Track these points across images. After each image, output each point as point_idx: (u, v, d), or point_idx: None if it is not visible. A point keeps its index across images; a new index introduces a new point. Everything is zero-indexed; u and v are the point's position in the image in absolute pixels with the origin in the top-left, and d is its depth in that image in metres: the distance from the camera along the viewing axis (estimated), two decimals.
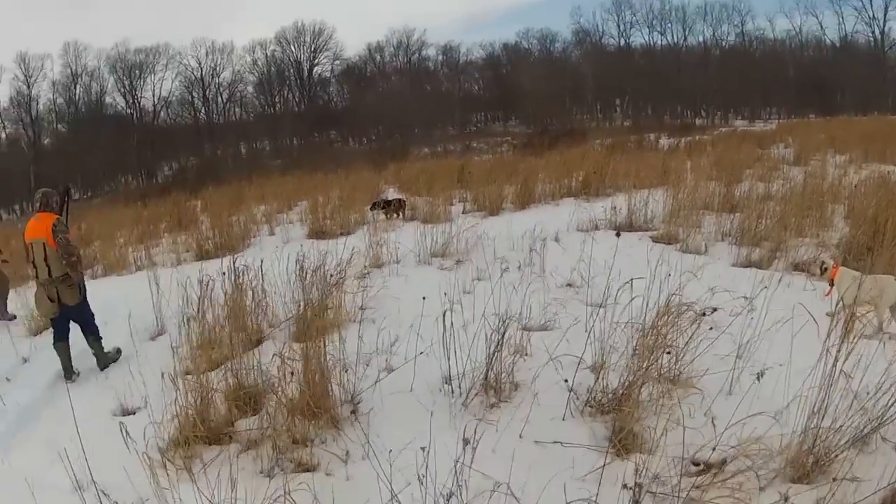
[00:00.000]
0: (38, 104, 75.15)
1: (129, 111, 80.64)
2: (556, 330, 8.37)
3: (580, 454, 5.69)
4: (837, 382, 5.37)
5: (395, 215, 19.00)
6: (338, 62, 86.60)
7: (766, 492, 5.12)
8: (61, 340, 9.31)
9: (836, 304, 8.34)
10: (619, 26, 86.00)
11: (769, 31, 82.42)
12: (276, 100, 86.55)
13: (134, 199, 39.24)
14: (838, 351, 5.33)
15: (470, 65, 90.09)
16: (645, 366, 6.22)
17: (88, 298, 9.62)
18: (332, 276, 9.54)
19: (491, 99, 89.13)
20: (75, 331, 9.40)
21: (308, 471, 6.02)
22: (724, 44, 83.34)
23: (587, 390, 6.55)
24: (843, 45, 78.00)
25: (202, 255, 16.97)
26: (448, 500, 4.60)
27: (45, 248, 9.06)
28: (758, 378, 5.89)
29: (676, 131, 50.46)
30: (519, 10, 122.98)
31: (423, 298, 7.61)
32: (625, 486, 5.01)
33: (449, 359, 6.89)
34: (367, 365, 7.70)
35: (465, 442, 4.83)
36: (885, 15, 73.36)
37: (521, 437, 6.07)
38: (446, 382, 6.99)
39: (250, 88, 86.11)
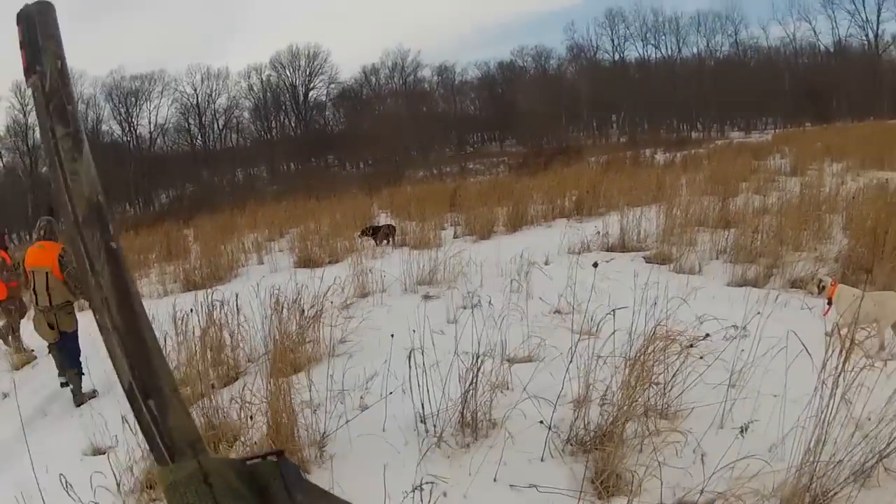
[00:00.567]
0: (34, 133, 75.00)
1: (125, 139, 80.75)
2: (540, 361, 7.94)
3: (558, 500, 5.31)
4: (837, 411, 4.99)
5: (384, 241, 18.73)
6: (333, 85, 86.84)
7: None
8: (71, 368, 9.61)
9: (835, 324, 7.99)
10: (613, 41, 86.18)
11: (763, 40, 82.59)
12: (273, 125, 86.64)
13: (129, 227, 39.04)
14: (838, 376, 4.96)
15: (465, 84, 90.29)
16: (629, 400, 5.84)
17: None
18: (309, 309, 9.34)
19: (487, 118, 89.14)
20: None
21: None
22: (718, 54, 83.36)
23: (569, 427, 6.15)
24: (837, 50, 77.97)
25: (189, 287, 16.71)
26: None
27: (47, 277, 9.52)
28: (741, 432, 5.58)
29: (672, 146, 50.41)
30: (513, 27, 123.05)
31: (392, 336, 7.41)
32: None
33: (423, 396, 6.52)
34: (342, 402, 7.34)
35: (418, 489, 4.48)
36: (878, 17, 73.44)
37: (495, 480, 5.68)
38: (421, 421, 6.57)
39: (246, 114, 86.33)
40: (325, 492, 0.87)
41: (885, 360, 6.71)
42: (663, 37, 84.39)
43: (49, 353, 10.10)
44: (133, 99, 79.84)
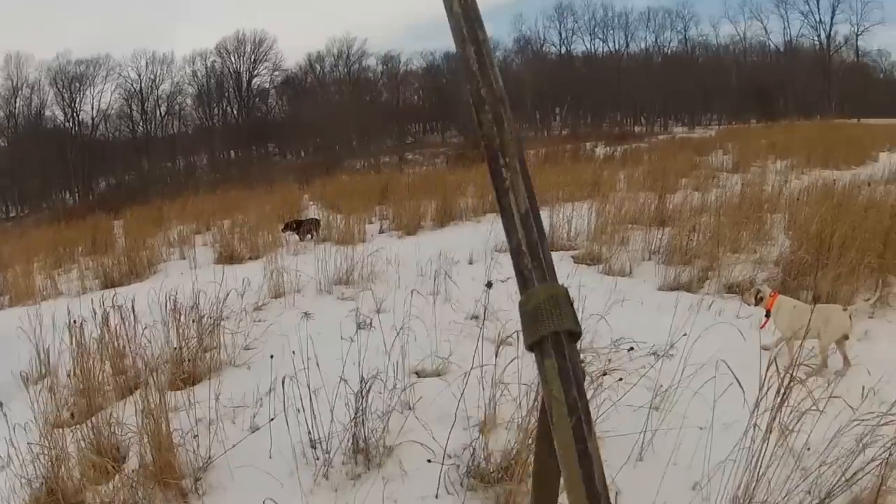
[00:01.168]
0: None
1: (67, 124, 79.31)
2: (449, 374, 7.42)
3: None
4: (772, 449, 4.39)
5: (307, 236, 18.25)
6: (277, 73, 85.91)
7: None
8: None
9: (776, 341, 7.57)
10: (560, 34, 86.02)
11: (713, 37, 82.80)
12: (215, 111, 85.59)
13: (61, 218, 38.23)
14: (773, 420, 4.37)
15: (410, 74, 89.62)
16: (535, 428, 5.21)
17: None
18: (208, 315, 8.83)
19: (430, 109, 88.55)
20: None
21: None
22: (666, 50, 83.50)
23: (471, 455, 5.51)
24: (787, 49, 78.37)
25: (108, 284, 16.16)
26: None
27: None
28: None
29: (614, 140, 50.24)
30: None
31: (272, 357, 6.80)
32: None
33: (313, 418, 5.86)
34: (234, 421, 6.84)
35: None
36: (831, 18, 73.94)
37: None
38: (311, 446, 5.91)
39: (189, 101, 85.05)
40: None
41: (829, 380, 6.20)
42: (612, 31, 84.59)
43: None
44: (77, 84, 78.06)
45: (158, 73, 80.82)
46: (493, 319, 8.29)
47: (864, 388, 5.21)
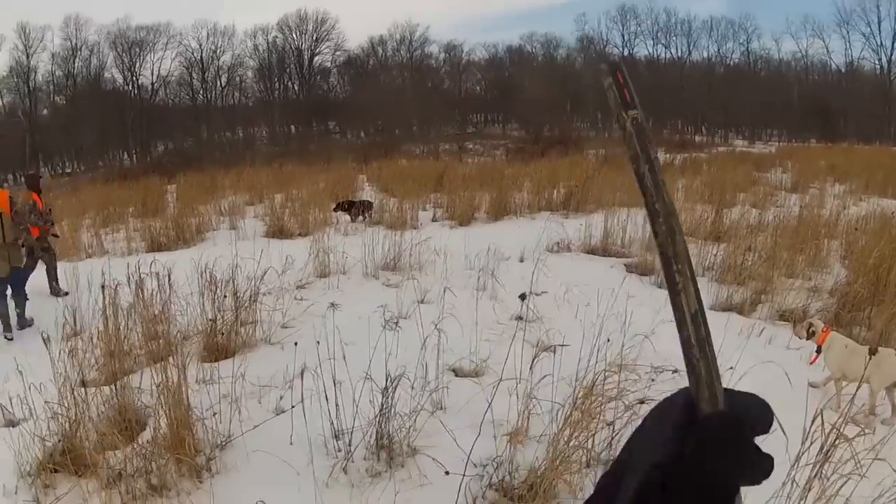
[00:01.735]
0: (36, 75, 74.30)
1: (126, 87, 79.76)
2: (486, 375, 7.11)
3: None
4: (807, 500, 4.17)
5: (359, 217, 18.07)
6: (339, 53, 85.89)
7: None
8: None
9: (825, 380, 7.25)
10: (623, 36, 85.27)
11: (774, 52, 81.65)
12: (276, 86, 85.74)
13: (115, 178, 38.37)
14: (822, 459, 4.13)
15: (472, 65, 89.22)
16: (567, 446, 4.98)
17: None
18: (245, 290, 8.70)
19: (491, 101, 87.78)
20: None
21: None
22: (728, 61, 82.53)
23: (495, 468, 5.28)
24: (848, 71, 76.95)
25: (154, 248, 16.27)
26: None
27: (1, 218, 10.73)
28: None
29: (674, 147, 49.66)
30: (523, 13, 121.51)
31: (296, 345, 6.87)
32: None
33: (341, 408, 5.71)
34: (260, 402, 6.71)
35: None
36: (892, 43, 72.39)
37: None
38: (335, 437, 5.74)
39: (250, 73, 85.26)
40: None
41: (873, 427, 5.91)
42: (674, 38, 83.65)
43: None
44: (137, 49, 78.52)
45: (219, 45, 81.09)
46: (538, 322, 8.11)
47: None
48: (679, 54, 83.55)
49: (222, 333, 8.15)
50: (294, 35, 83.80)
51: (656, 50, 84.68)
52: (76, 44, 74.64)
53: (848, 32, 74.92)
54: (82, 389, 6.15)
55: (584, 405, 5.07)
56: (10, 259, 10.76)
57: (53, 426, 5.74)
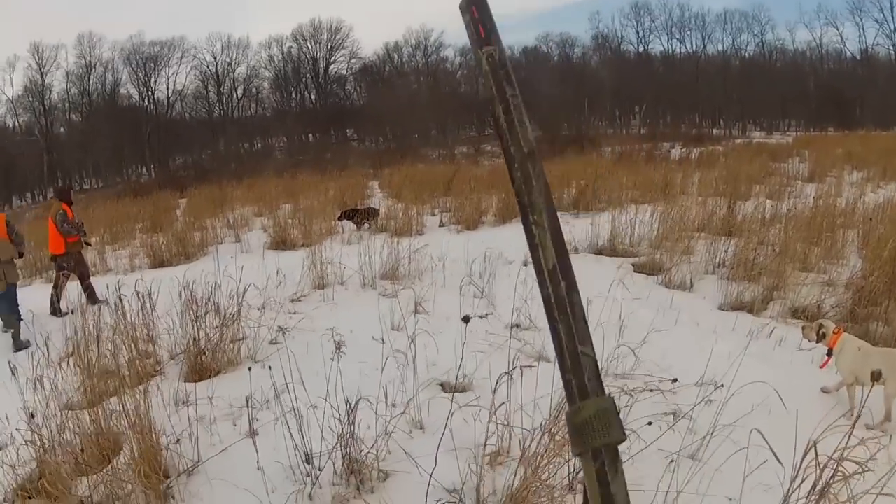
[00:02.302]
0: (51, 93, 74.83)
1: (142, 102, 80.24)
2: (473, 391, 6.77)
3: None
4: None
5: (364, 224, 17.86)
6: (354, 60, 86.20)
7: None
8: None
9: (836, 385, 6.87)
10: (637, 33, 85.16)
11: (789, 42, 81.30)
12: (293, 96, 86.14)
13: (132, 193, 38.57)
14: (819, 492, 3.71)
15: None
16: (542, 472, 4.59)
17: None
18: (227, 307, 8.44)
19: None
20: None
21: None
22: (743, 53, 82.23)
23: (475, 492, 4.94)
24: (863, 59, 76.51)
25: (156, 264, 16.45)
26: None
27: None
28: None
29: (691, 141, 49.43)
30: (538, 14, 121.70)
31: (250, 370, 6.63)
32: None
33: (301, 434, 5.37)
34: (235, 424, 6.43)
35: None
36: None
37: None
38: (308, 461, 5.37)
39: (266, 84, 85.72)
40: None
41: (889, 434, 5.46)
42: (689, 32, 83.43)
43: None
44: (152, 64, 79.12)
45: (234, 57, 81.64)
46: (533, 330, 7.78)
47: None
48: (694, 49, 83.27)
49: (205, 353, 7.91)
50: (309, 44, 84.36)
51: (671, 45, 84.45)
52: (90, 61, 75.34)
53: (861, 19, 74.50)
54: (58, 414, 5.98)
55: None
56: (5, 276, 11.11)
57: (27, 452, 5.59)
